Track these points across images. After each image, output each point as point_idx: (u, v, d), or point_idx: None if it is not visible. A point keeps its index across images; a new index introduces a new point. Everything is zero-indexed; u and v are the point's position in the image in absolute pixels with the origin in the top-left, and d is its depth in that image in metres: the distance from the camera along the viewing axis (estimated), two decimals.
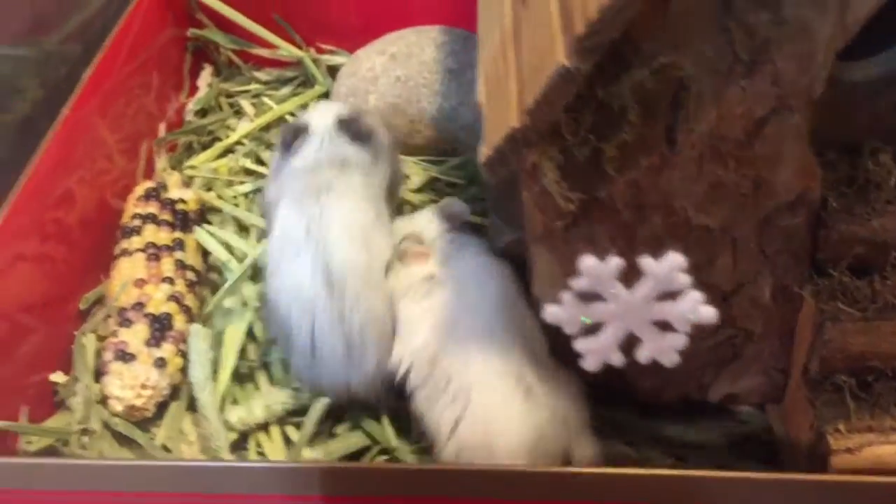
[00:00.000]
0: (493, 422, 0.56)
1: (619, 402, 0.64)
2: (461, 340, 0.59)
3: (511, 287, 0.63)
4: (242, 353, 0.69)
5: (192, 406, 0.67)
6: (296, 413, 0.66)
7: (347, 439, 0.64)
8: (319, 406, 0.63)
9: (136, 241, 0.71)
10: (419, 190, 0.85)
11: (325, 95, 0.97)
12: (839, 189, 0.53)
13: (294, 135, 0.71)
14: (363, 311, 0.62)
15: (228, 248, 0.76)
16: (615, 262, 0.42)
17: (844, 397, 0.55)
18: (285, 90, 1.01)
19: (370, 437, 0.64)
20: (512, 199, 0.59)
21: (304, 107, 0.95)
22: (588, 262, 0.42)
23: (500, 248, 0.65)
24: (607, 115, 0.47)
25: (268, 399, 0.65)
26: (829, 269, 0.54)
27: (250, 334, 0.71)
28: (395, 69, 0.89)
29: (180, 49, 0.99)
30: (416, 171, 0.87)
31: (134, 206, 0.75)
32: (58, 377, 0.66)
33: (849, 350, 0.53)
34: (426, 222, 0.70)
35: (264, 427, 0.66)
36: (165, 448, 0.65)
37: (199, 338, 0.68)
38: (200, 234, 0.75)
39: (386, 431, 0.64)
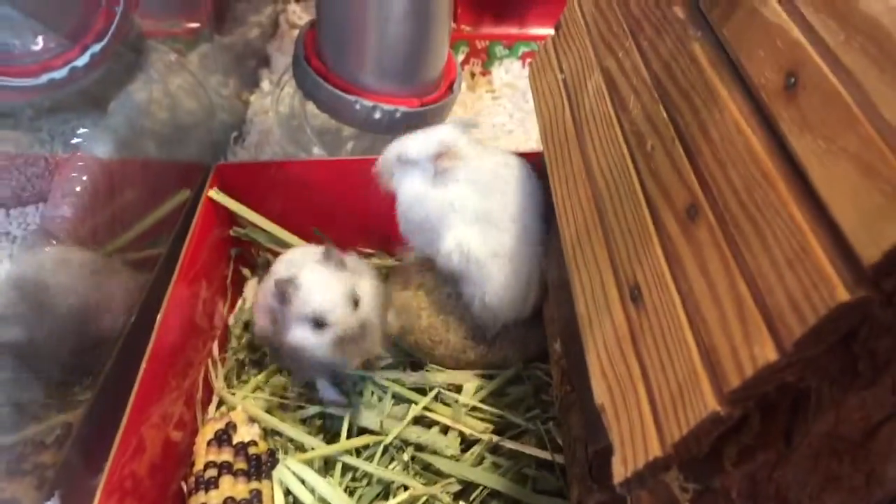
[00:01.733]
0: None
1: None
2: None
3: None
4: None
5: None
6: None
7: None
8: None
9: (214, 497, 0.71)
10: (481, 402, 0.86)
11: None
12: None
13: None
14: None
15: (312, 491, 0.75)
16: None
17: None
18: None
19: None
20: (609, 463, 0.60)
21: None
22: None
23: None
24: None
25: None
26: None
27: None
28: (445, 285, 0.91)
29: (225, 259, 1.00)
30: (473, 387, 0.87)
31: (206, 453, 0.74)
32: None
33: None
34: (451, 132, 0.84)
35: None
36: None
37: None
38: (285, 475, 0.74)
39: None
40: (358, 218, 1.02)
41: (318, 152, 1.07)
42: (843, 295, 0.37)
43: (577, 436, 0.71)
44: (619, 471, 0.48)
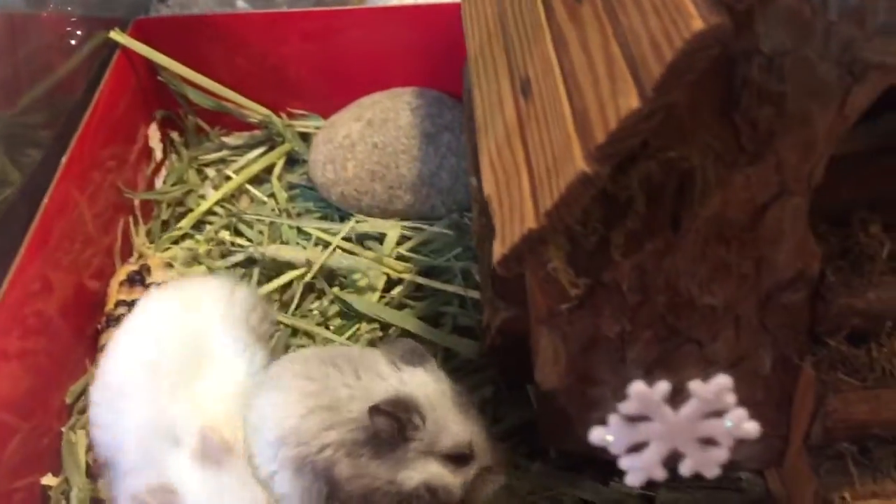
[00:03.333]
0: None
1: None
2: None
3: None
4: None
5: None
6: None
7: None
8: None
9: None
10: (408, 252, 0.86)
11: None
12: (835, 263, 0.54)
13: None
14: None
15: None
16: (663, 386, 0.42)
17: (847, 464, 0.56)
18: (254, 154, 1.00)
19: None
20: (511, 277, 0.59)
21: (271, 168, 0.98)
22: (637, 387, 0.42)
23: (497, 325, 0.66)
24: (614, 205, 0.48)
25: None
26: (826, 339, 0.56)
27: None
28: (372, 136, 0.89)
29: (148, 120, 0.97)
30: (397, 236, 0.87)
31: (118, 293, 0.74)
32: (49, 480, 0.64)
33: (851, 419, 0.55)
34: None
35: None
36: None
37: None
38: None
39: None
40: (290, 76, 0.99)
41: (242, 5, 1.03)
42: (697, 24, 0.35)
43: (490, 264, 0.71)
44: (498, 251, 0.47)
